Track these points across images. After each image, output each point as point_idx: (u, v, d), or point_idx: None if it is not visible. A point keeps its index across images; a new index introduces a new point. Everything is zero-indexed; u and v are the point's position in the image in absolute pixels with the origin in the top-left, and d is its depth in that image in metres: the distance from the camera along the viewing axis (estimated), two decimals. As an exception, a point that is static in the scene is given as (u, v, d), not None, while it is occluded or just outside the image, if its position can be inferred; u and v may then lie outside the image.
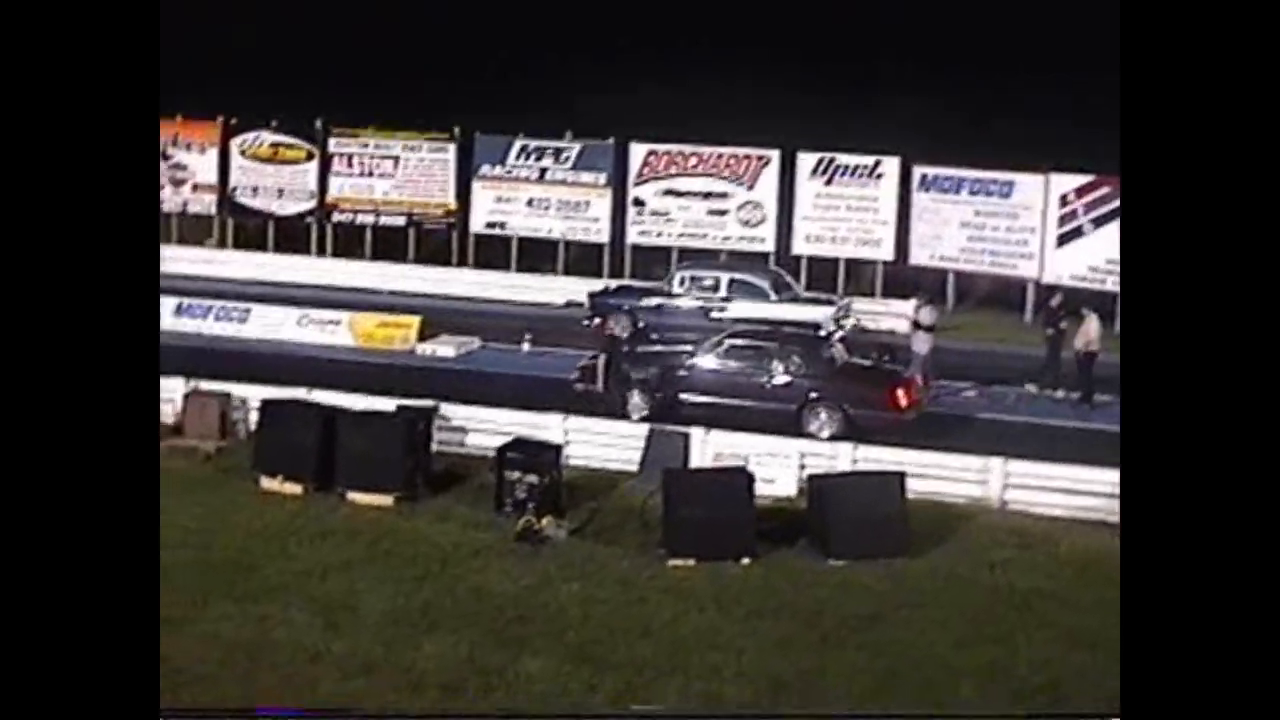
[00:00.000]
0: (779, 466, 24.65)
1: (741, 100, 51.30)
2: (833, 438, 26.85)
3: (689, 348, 29.76)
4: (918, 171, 42.19)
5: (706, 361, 29.03)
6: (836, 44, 59.05)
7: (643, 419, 27.95)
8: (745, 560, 21.42)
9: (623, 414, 28.31)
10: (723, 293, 36.67)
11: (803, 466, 24.59)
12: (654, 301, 37.07)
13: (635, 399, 28.93)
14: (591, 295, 38.67)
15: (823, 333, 34.22)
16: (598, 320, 36.86)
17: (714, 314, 35.57)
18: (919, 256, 42.33)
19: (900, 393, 27.96)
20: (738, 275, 37.53)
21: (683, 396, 28.63)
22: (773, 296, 36.58)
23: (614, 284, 40.27)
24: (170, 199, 47.78)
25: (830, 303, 37.81)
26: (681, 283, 37.39)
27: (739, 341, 29.28)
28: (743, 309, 35.69)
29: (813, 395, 27.98)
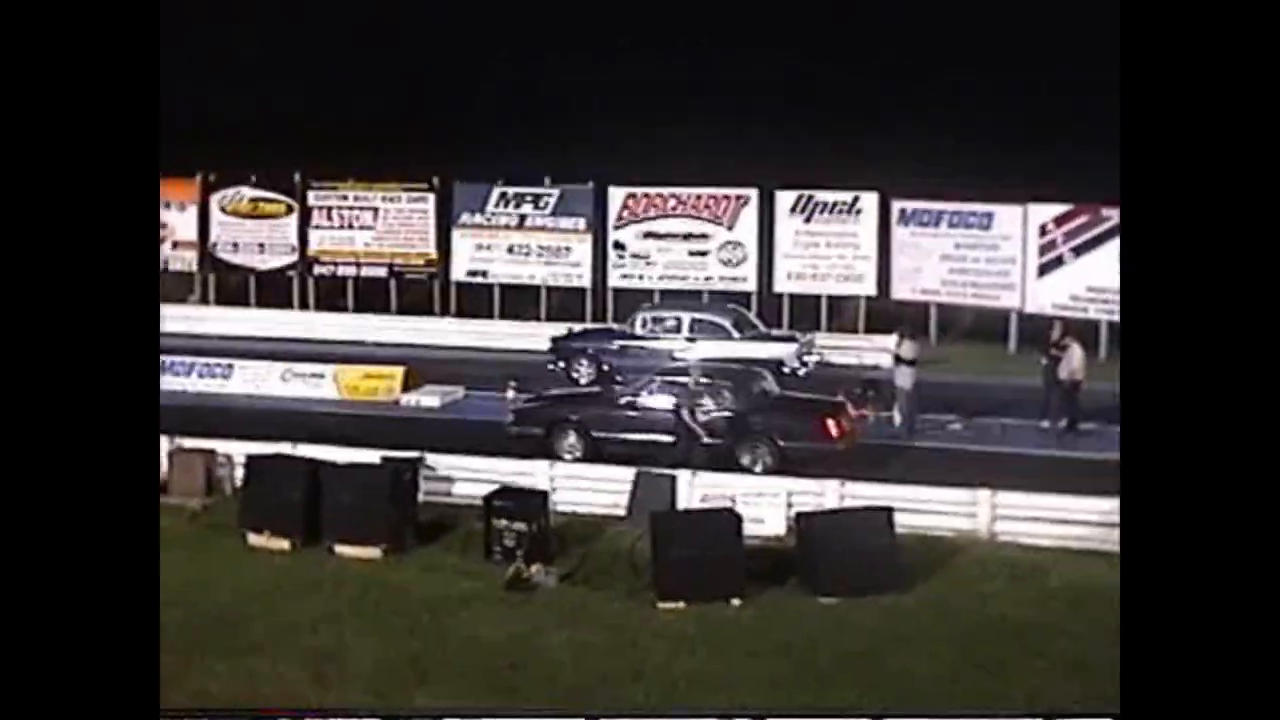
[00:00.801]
0: (767, 505, 24.58)
1: (717, 139, 51.51)
2: (767, 471, 27.08)
3: (623, 389, 30.02)
4: (896, 206, 42.26)
5: (640, 400, 29.14)
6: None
7: (576, 460, 28.14)
8: (736, 601, 21.34)
9: (557, 455, 28.33)
10: (685, 333, 36.76)
11: (790, 505, 24.51)
12: (616, 344, 37.08)
13: (570, 439, 28.99)
14: (554, 340, 38.65)
15: (786, 369, 34.43)
16: (561, 365, 36.79)
17: (678, 354, 35.45)
18: (901, 290, 42.38)
19: (830, 423, 28.08)
20: (699, 315, 37.69)
21: (617, 435, 28.68)
22: (735, 335, 36.69)
23: (577, 328, 40.28)
24: (151, 257, 47.76)
25: (793, 339, 37.89)
26: (644, 324, 37.47)
27: (671, 379, 29.44)
28: (706, 348, 35.65)
29: (745, 429, 28.15)
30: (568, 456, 28.46)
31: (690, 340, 36.41)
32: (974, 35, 57.62)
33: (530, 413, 30.32)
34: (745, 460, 27.84)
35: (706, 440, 27.85)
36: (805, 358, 36.94)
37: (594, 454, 28.32)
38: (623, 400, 29.43)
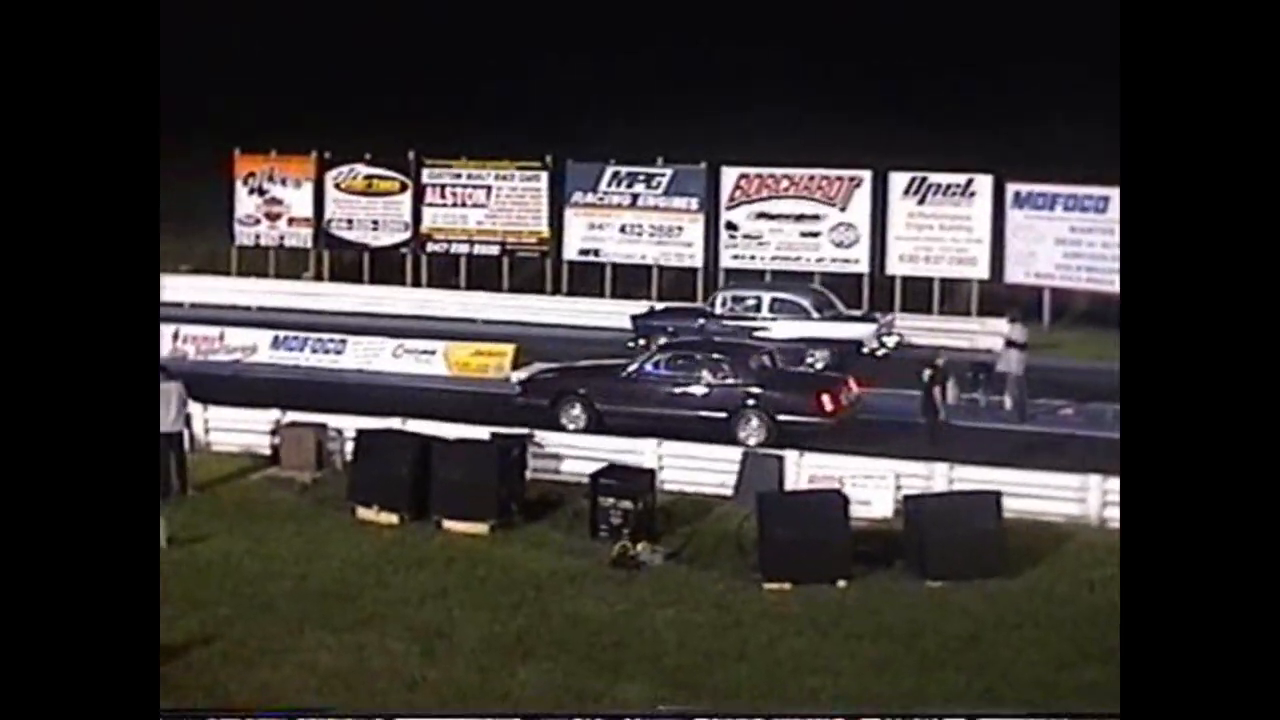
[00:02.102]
0: (874, 488, 24.49)
1: (829, 119, 51.31)
2: (762, 444, 27.41)
3: (627, 363, 30.65)
4: (1011, 189, 41.89)
5: (641, 373, 29.72)
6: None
7: (579, 431, 28.63)
8: (841, 582, 21.29)
9: (560, 426, 28.81)
10: (765, 312, 36.99)
11: (899, 487, 24.42)
12: (696, 323, 37.15)
13: (575, 411, 29.48)
14: (634, 318, 38.83)
15: (865, 349, 34.48)
16: (642, 342, 36.90)
17: (757, 333, 35.73)
18: (1014, 274, 42.03)
19: (826, 398, 28.54)
20: (779, 294, 37.90)
21: (618, 408, 29.16)
22: (814, 315, 36.75)
23: (659, 306, 40.37)
24: (267, 233, 48.30)
25: (872, 320, 38.05)
26: (724, 303, 37.76)
27: (672, 353, 30.14)
28: (785, 328, 36.07)
29: (742, 403, 28.54)
30: (571, 427, 29.02)
31: (769, 319, 36.55)
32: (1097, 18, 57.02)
33: (537, 383, 31.10)
34: (742, 434, 28.27)
35: (705, 414, 28.50)
36: (884, 338, 37.09)
37: (597, 425, 28.85)
38: (626, 373, 29.95)
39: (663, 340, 33.75)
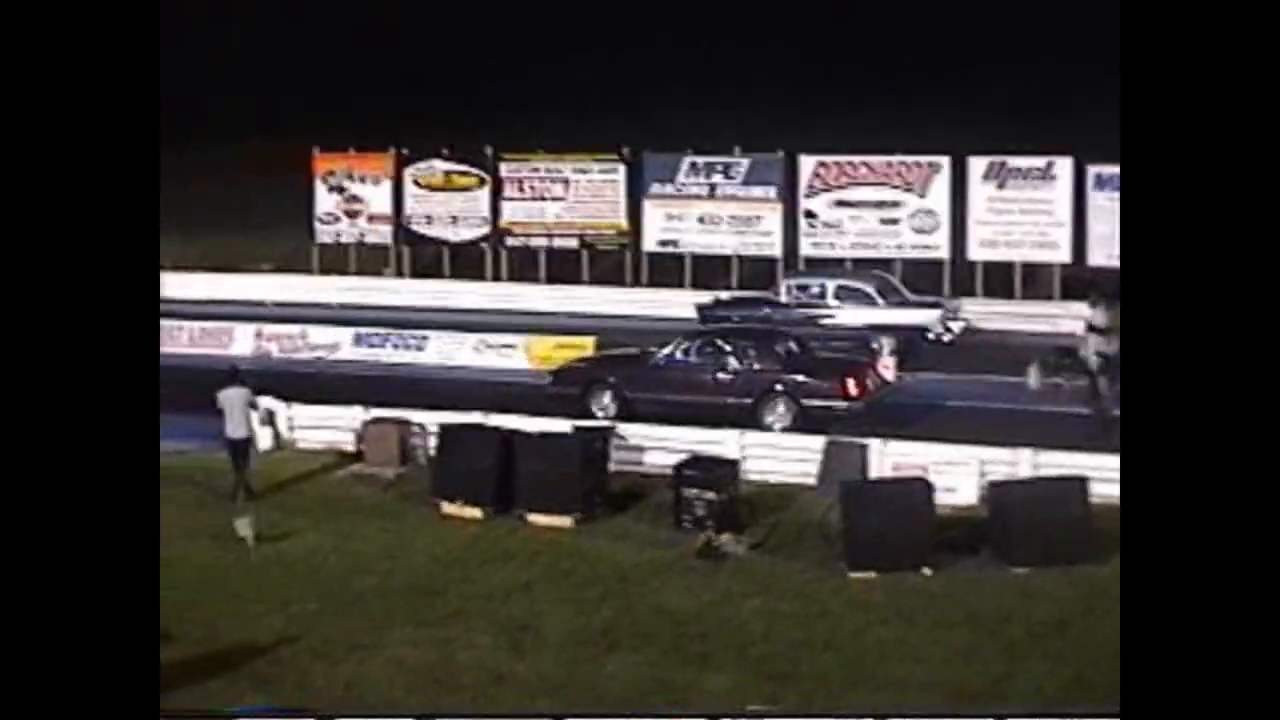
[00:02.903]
0: (959, 474, 24.37)
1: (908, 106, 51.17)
2: (787, 429, 27.82)
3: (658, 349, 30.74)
4: (1092, 171, 41.48)
5: (669, 361, 29.97)
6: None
7: (609, 418, 28.76)
8: (927, 570, 21.23)
9: (590, 414, 29.09)
10: (829, 299, 37.02)
11: (983, 474, 24.28)
12: (762, 311, 37.16)
13: (605, 399, 29.77)
14: (700, 307, 38.86)
15: (930, 335, 34.42)
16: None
17: (822, 321, 35.96)
18: (1097, 257, 41.59)
19: (851, 382, 28.74)
20: (844, 282, 37.98)
21: (647, 395, 29.37)
22: (879, 301, 36.76)
23: (725, 295, 40.36)
24: (347, 230, 48.48)
25: (938, 305, 37.94)
26: (789, 291, 37.83)
27: (700, 341, 30.37)
28: (849, 315, 36.24)
29: (768, 388, 28.75)
30: (600, 415, 29.28)
31: (835, 307, 36.64)
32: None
33: (567, 373, 31.45)
34: (768, 419, 28.49)
35: (731, 400, 28.74)
36: (950, 324, 37.05)
37: (627, 413, 28.97)
38: (654, 361, 30.20)
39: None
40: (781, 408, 28.70)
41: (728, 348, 29.88)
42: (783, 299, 37.64)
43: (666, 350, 30.44)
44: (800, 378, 29.04)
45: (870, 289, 37.39)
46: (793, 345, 30.51)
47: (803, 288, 37.83)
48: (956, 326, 37.24)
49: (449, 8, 70.59)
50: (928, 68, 62.58)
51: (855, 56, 63.28)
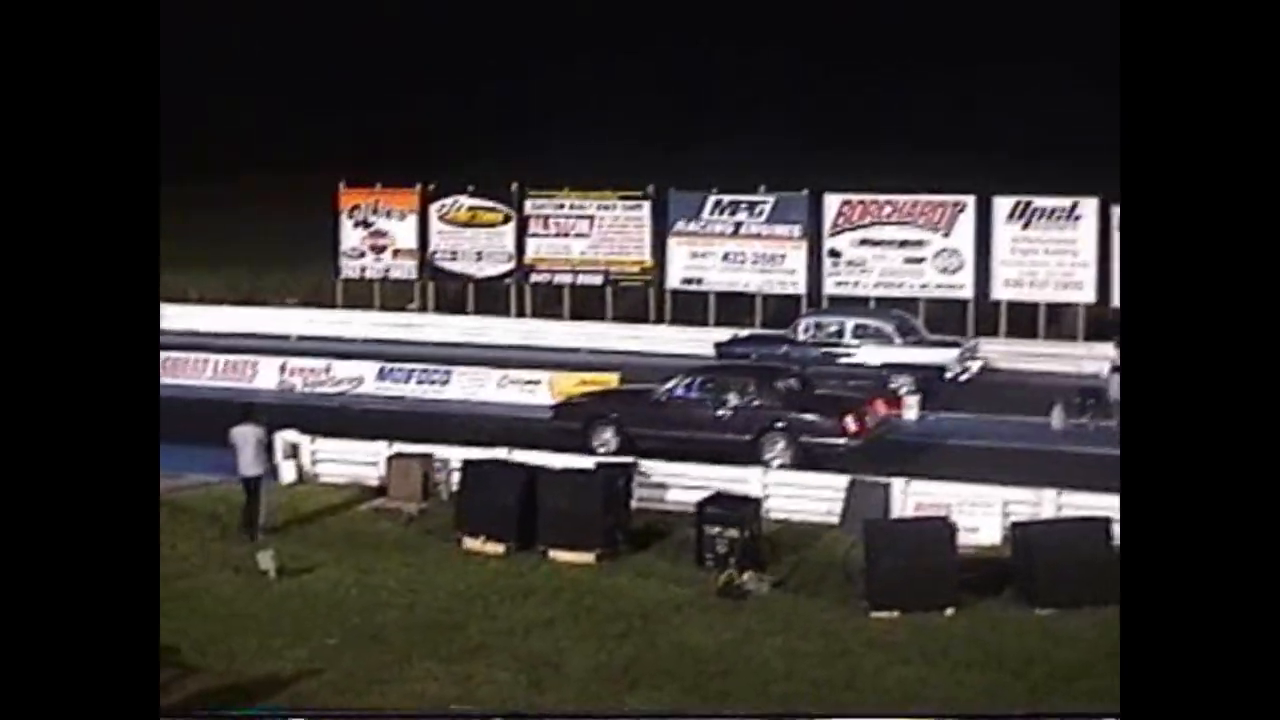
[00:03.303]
0: (982, 514, 24.31)
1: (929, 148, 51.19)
2: (786, 466, 27.94)
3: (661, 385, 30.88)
4: (1116, 211, 41.46)
5: (671, 396, 30.21)
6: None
7: (609, 454, 28.89)
8: (949, 611, 21.14)
9: (592, 449, 29.28)
10: (848, 338, 37.19)
11: (1006, 514, 24.21)
12: (780, 349, 37.19)
13: (606, 434, 30.01)
14: (718, 345, 39.04)
15: (948, 375, 34.51)
16: None
17: (840, 360, 36.15)
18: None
19: (850, 420, 28.86)
20: (861, 320, 38.12)
21: (648, 431, 29.57)
22: (897, 340, 36.76)
23: (743, 333, 40.40)
24: (372, 265, 48.63)
25: (956, 345, 37.98)
26: (806, 330, 38.00)
27: (701, 377, 30.55)
28: (867, 354, 36.40)
29: (768, 425, 28.98)
30: (601, 450, 29.41)
31: (853, 346, 36.74)
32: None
33: (569, 408, 31.71)
34: (767, 455, 28.59)
35: (731, 436, 28.94)
36: (968, 363, 37.13)
37: (629, 448, 29.04)
38: (655, 397, 30.39)
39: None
40: (781, 444, 28.90)
41: (729, 384, 30.04)
42: (800, 337, 37.73)
43: (668, 386, 30.59)
44: (799, 415, 29.21)
45: (889, 327, 37.45)
46: (793, 382, 30.74)
47: (820, 326, 37.95)
48: (974, 366, 37.31)
49: (480, 47, 70.85)
50: (952, 105, 62.64)
51: (880, 94, 63.37)
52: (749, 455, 28.26)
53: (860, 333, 37.22)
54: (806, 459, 28.14)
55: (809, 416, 29.16)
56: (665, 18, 69.34)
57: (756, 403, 29.56)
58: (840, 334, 37.29)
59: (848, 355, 36.31)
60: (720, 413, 29.55)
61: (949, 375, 35.86)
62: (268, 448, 25.83)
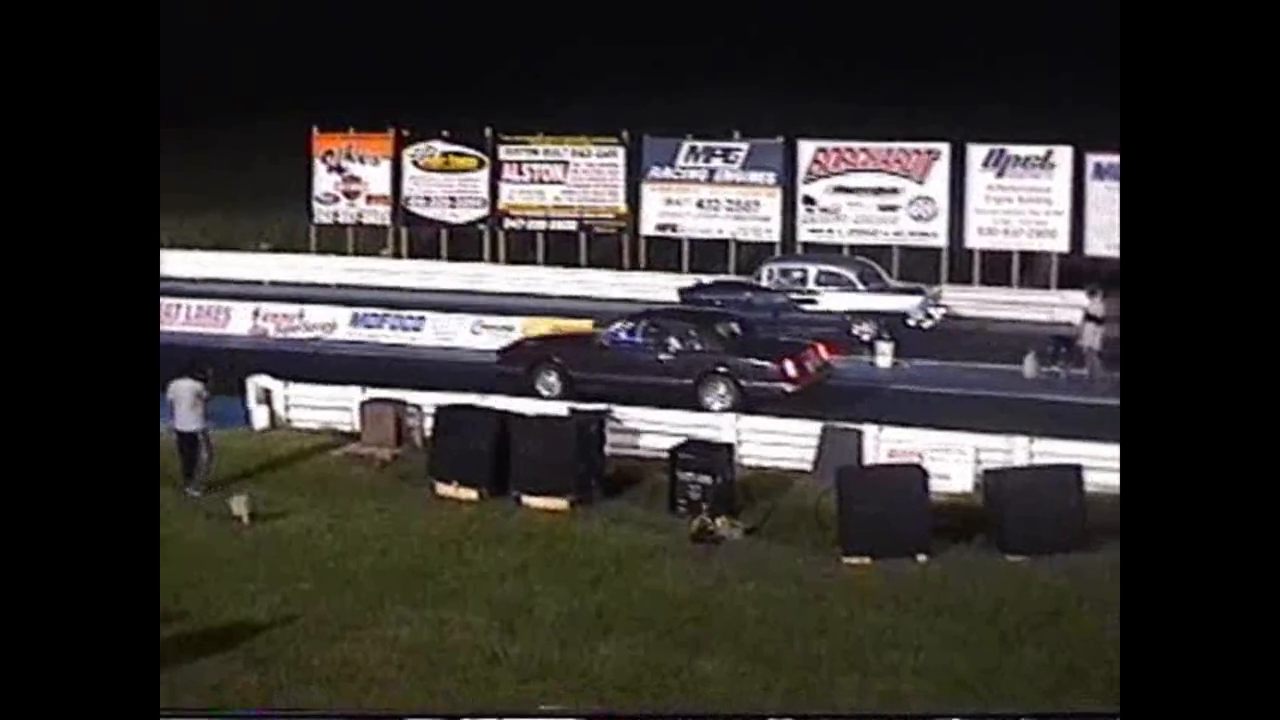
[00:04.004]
0: (954, 462, 24.39)
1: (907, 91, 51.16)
2: (727, 410, 28.01)
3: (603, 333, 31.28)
4: (1091, 160, 41.46)
5: (614, 341, 30.53)
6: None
7: (554, 398, 29.10)
8: (922, 557, 21.23)
9: (536, 394, 29.42)
10: (811, 284, 37.33)
11: (978, 461, 24.30)
12: (743, 296, 37.34)
13: (550, 378, 30.23)
14: (682, 291, 39.10)
15: (911, 321, 34.65)
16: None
17: (803, 306, 36.41)
18: (1096, 246, 41.57)
19: (790, 364, 29.15)
20: (825, 267, 38.18)
21: (591, 375, 29.81)
22: (860, 287, 36.98)
23: (707, 279, 40.44)
24: (345, 211, 48.46)
25: (919, 292, 38.12)
26: (770, 276, 38.10)
27: (645, 322, 30.70)
28: (831, 300, 36.60)
29: (709, 369, 29.21)
30: (546, 394, 29.64)
31: (814, 292, 36.97)
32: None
33: (514, 352, 31.90)
34: (707, 399, 28.96)
35: (673, 381, 29.10)
36: (930, 310, 37.29)
37: (572, 393, 29.26)
38: (599, 341, 30.78)
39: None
40: (722, 389, 29.15)
41: (671, 329, 30.25)
42: (764, 283, 37.78)
43: (611, 330, 30.82)
44: (740, 359, 29.41)
45: (851, 274, 37.56)
46: (734, 327, 30.92)
47: (785, 272, 38.03)
48: (937, 313, 37.38)
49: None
50: (929, 53, 62.56)
51: (857, 41, 63.26)
52: (690, 399, 28.56)
53: (824, 279, 37.29)
54: (747, 403, 28.32)
55: (749, 361, 29.37)
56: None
57: (698, 347, 29.79)
58: (804, 280, 37.35)
59: (811, 302, 36.41)
60: (662, 357, 29.77)
61: (912, 322, 35.95)
62: (206, 402, 25.15)
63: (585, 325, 35.25)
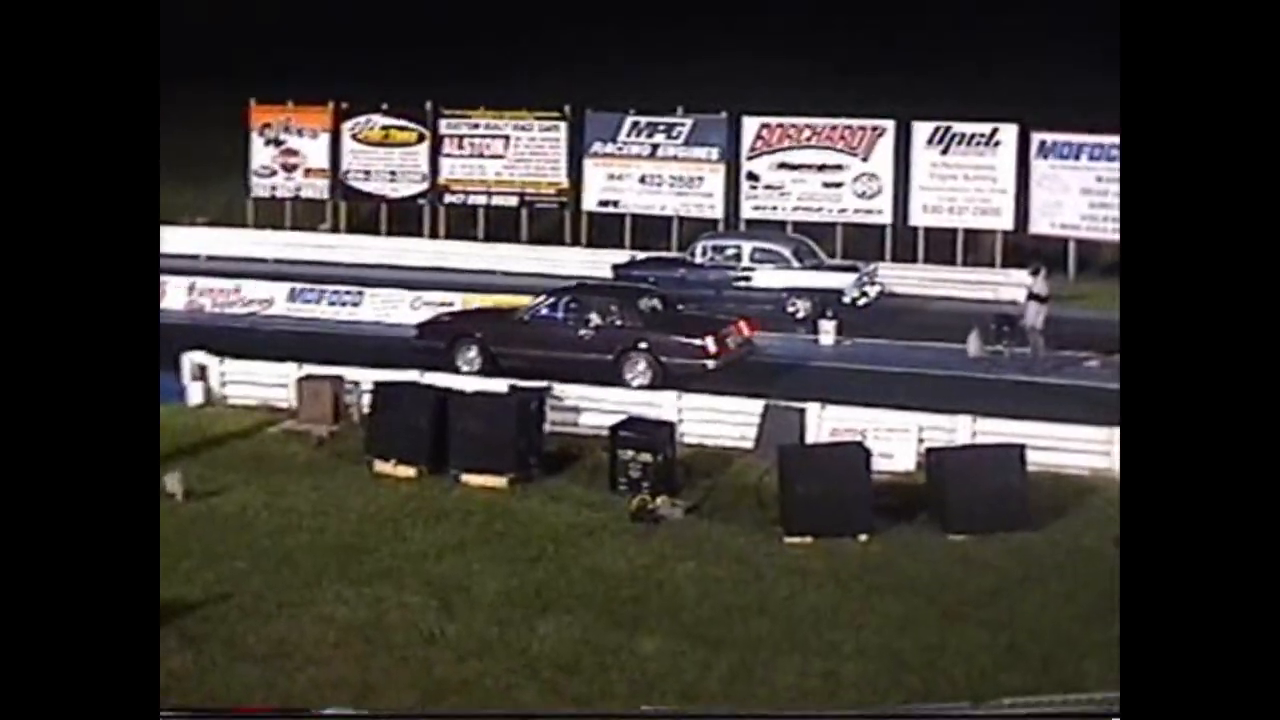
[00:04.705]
0: (896, 440, 24.47)
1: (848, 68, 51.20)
2: (646, 387, 28.25)
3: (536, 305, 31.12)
4: (1036, 138, 41.66)
5: (535, 316, 30.56)
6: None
7: (474, 373, 29.09)
8: (863, 536, 21.30)
9: (456, 369, 29.35)
10: (745, 261, 37.29)
11: (920, 440, 24.39)
12: (678, 273, 37.32)
13: (470, 354, 30.20)
14: (615, 267, 39.16)
15: (846, 299, 34.71)
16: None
17: (737, 283, 36.34)
18: (1040, 225, 41.81)
19: (710, 340, 29.18)
20: (760, 244, 38.13)
21: (511, 350, 29.86)
22: (795, 264, 36.94)
23: (640, 255, 40.44)
24: (283, 184, 48.22)
25: (854, 269, 38.15)
26: (704, 253, 38.06)
27: (567, 297, 30.75)
28: (765, 278, 36.64)
29: (630, 345, 29.34)
30: (465, 369, 29.61)
31: (749, 269, 36.91)
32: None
33: (433, 327, 31.87)
34: (628, 375, 29.08)
35: (593, 356, 29.13)
36: (866, 288, 37.22)
37: (493, 368, 29.30)
38: (519, 316, 30.80)
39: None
40: (642, 365, 29.22)
41: (592, 304, 30.30)
42: (698, 260, 37.74)
43: (532, 305, 30.83)
44: (660, 335, 29.48)
45: (786, 251, 37.55)
46: (655, 302, 31.00)
47: (719, 249, 38.01)
48: (873, 290, 37.38)
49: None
50: (874, 27, 62.63)
51: (804, 14, 63.30)
52: (610, 375, 28.63)
53: (758, 256, 37.24)
54: (668, 380, 28.36)
55: (669, 337, 29.43)
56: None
57: (618, 322, 29.86)
58: (738, 257, 37.29)
59: (746, 279, 36.44)
60: (582, 333, 29.79)
61: (847, 299, 35.95)
62: None
63: (525, 302, 35.24)
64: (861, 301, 36.40)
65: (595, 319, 29.90)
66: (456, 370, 29.30)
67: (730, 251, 37.63)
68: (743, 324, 30.88)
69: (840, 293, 36.03)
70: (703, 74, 52.61)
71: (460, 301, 36.15)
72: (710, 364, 28.97)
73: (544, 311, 30.59)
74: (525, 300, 32.87)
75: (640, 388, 28.18)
